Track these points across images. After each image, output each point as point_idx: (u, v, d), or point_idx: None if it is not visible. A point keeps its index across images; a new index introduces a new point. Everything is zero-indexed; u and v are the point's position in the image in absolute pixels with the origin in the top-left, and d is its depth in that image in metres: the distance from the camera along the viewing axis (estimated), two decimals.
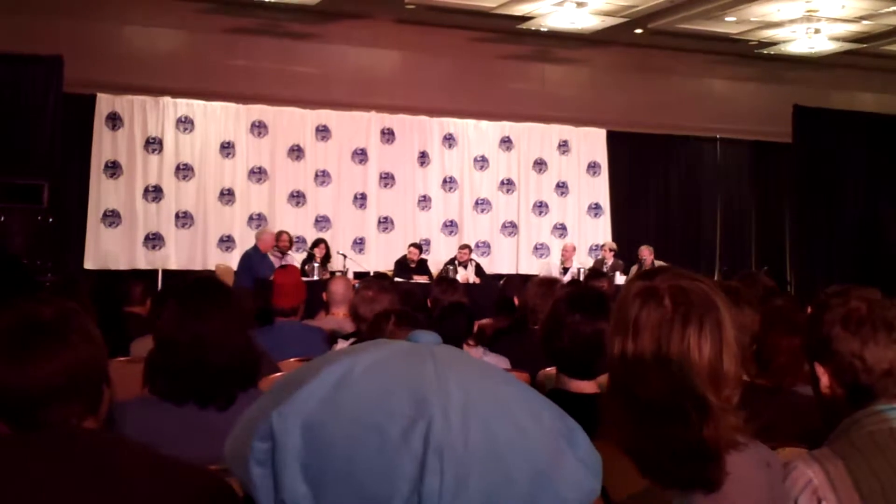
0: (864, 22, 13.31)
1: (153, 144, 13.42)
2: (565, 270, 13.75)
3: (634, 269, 13.42)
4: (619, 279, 12.42)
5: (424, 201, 14.99)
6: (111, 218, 13.20)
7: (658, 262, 13.69)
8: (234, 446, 0.83)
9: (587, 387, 3.00)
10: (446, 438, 0.75)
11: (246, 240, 13.29)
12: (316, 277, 11.85)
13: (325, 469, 0.77)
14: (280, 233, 12.78)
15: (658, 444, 1.63)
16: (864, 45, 14.41)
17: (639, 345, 1.69)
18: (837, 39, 13.90)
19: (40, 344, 1.79)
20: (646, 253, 13.83)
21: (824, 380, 2.18)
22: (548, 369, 4.13)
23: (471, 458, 0.76)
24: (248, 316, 3.05)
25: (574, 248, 14.49)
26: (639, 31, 14.11)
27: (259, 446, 0.78)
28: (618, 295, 1.84)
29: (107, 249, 13.14)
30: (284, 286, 5.20)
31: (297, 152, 14.21)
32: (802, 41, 13.92)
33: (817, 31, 13.50)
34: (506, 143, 15.44)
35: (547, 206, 15.69)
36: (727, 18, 13.59)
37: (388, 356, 0.82)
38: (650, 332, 1.68)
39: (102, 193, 13.15)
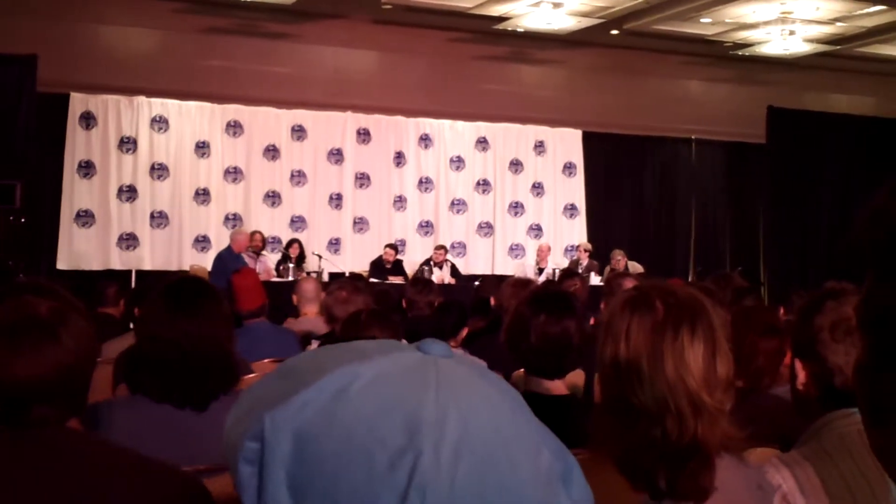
0: (839, 24, 13.39)
1: (127, 144, 13.33)
2: (540, 271, 13.78)
3: (607, 270, 13.45)
4: (594, 280, 12.46)
5: (400, 202, 14.96)
6: (84, 218, 13.11)
7: (632, 263, 13.75)
8: (230, 432, 0.83)
9: (558, 387, 3.02)
10: (432, 476, 0.73)
11: (221, 240, 13.21)
12: (291, 278, 11.81)
13: (309, 482, 0.76)
14: (253, 232, 12.75)
15: (651, 449, 1.64)
16: (838, 47, 14.51)
17: (632, 349, 1.69)
18: (812, 41, 14.00)
19: (31, 340, 1.78)
20: (618, 256, 13.87)
21: (801, 377, 2.18)
22: (520, 370, 4.13)
23: (455, 499, 0.74)
24: (231, 318, 3.03)
25: (549, 249, 14.52)
26: (615, 32, 14.15)
27: (250, 445, 0.78)
28: (605, 302, 1.85)
29: (80, 250, 13.05)
30: (243, 289, 5.16)
31: (272, 152, 14.16)
32: (777, 43, 14.01)
33: (792, 32, 13.59)
34: (482, 143, 15.44)
35: (523, 206, 15.70)
36: (702, 20, 13.65)
37: (392, 373, 0.80)
38: (643, 335, 1.69)
39: (76, 193, 13.06)
